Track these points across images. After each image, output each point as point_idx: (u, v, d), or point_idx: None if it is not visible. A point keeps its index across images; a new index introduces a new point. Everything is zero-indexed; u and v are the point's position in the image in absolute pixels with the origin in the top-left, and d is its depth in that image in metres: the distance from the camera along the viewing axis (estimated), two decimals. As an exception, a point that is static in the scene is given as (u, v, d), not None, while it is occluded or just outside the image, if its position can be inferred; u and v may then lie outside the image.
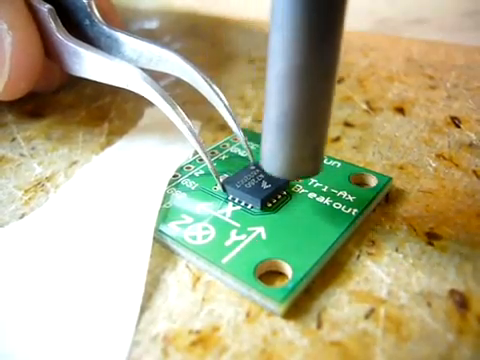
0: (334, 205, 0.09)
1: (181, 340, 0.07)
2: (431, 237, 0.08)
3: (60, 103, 0.15)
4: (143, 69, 0.10)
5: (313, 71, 0.07)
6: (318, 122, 0.07)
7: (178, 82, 0.12)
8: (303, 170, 0.08)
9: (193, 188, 0.10)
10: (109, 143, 0.12)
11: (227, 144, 0.12)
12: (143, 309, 0.07)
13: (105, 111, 0.14)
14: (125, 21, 0.17)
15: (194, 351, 0.06)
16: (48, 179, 0.11)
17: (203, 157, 0.10)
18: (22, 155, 0.12)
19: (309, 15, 0.06)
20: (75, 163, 0.11)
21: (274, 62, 0.07)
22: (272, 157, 0.08)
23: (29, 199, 0.10)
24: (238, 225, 0.08)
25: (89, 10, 0.12)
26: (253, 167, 0.10)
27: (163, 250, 0.08)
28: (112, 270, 0.08)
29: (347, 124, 0.13)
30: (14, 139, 0.13)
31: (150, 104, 0.13)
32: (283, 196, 0.09)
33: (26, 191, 0.10)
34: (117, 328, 0.07)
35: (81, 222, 0.09)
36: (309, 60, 0.06)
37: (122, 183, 0.10)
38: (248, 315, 0.07)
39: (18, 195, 0.10)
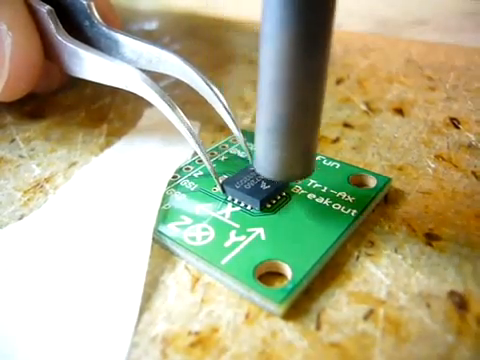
0: (333, 206, 0.09)
1: (180, 341, 0.07)
2: (430, 238, 0.08)
3: (59, 104, 0.15)
4: (142, 70, 0.10)
5: (302, 79, 0.07)
6: (308, 127, 0.08)
7: (177, 83, 0.12)
8: (294, 172, 0.08)
9: (192, 189, 0.10)
10: (108, 144, 0.12)
11: (226, 145, 0.12)
12: (142, 310, 0.07)
13: (104, 112, 0.14)
14: (124, 22, 0.17)
15: (193, 352, 0.06)
16: (47, 180, 0.11)
17: (202, 158, 0.10)
18: (21, 156, 0.12)
19: (298, 27, 0.06)
20: (74, 164, 0.11)
21: (265, 71, 0.07)
22: (264, 160, 0.08)
23: (28, 200, 0.10)
24: (237, 226, 0.08)
25: (89, 11, 0.12)
26: (252, 168, 0.10)
27: (162, 251, 0.08)
28: (111, 271, 0.08)
29: (346, 125, 0.13)
30: (13, 140, 0.13)
31: (149, 105, 0.13)
32: (282, 197, 0.09)
33: (25, 192, 0.10)
34: (116, 329, 0.07)
35: (80, 223, 0.09)
36: (298, 69, 0.07)
37: (121, 184, 0.10)
38: (247, 316, 0.07)
39: (17, 196, 0.10)
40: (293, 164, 0.08)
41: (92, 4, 0.12)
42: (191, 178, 0.10)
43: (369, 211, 0.09)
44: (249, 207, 0.09)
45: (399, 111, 0.14)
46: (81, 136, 0.13)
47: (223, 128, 0.13)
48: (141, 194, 0.10)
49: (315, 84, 0.07)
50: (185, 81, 0.11)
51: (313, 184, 0.10)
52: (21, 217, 0.09)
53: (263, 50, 0.07)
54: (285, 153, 0.08)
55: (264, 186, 0.09)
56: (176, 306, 0.07)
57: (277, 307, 0.07)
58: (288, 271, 0.07)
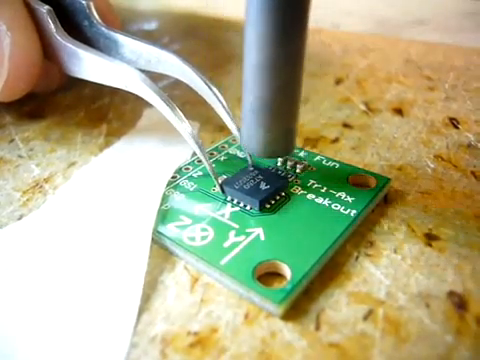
0: (333, 206, 0.09)
1: (179, 342, 0.07)
2: (430, 238, 0.08)
3: (59, 104, 0.15)
4: (142, 70, 0.10)
5: (282, 61, 0.07)
6: (289, 106, 0.08)
7: (177, 83, 0.12)
8: (276, 149, 0.09)
9: (192, 189, 0.10)
10: (107, 144, 0.12)
11: (226, 145, 0.12)
12: (141, 310, 0.07)
13: (104, 112, 0.14)
14: (124, 22, 0.17)
15: (192, 353, 0.06)
16: (46, 180, 0.11)
17: (202, 158, 0.10)
18: (20, 156, 0.12)
19: (277, 13, 0.07)
20: (73, 164, 0.11)
21: (249, 53, 0.08)
22: (249, 138, 0.09)
23: (27, 200, 0.10)
24: (237, 226, 0.08)
25: (88, 11, 0.12)
26: (252, 168, 0.10)
27: (161, 251, 0.08)
28: (110, 271, 0.08)
29: (346, 125, 0.13)
30: (12, 140, 0.13)
31: (149, 105, 0.12)
32: (282, 197, 0.09)
33: (24, 192, 0.10)
34: (115, 329, 0.07)
35: (79, 223, 0.09)
36: (278, 51, 0.07)
37: (120, 184, 0.10)
38: (246, 317, 0.07)
39: (16, 196, 0.10)
40: (275, 142, 0.08)
41: (91, 4, 0.12)
42: (190, 178, 0.10)
43: (368, 211, 0.09)
44: (248, 207, 0.09)
45: (398, 111, 0.14)
46: (80, 136, 0.13)
47: (222, 128, 0.13)
48: (140, 194, 0.10)
49: (293, 68, 0.08)
50: (184, 81, 0.11)
51: (313, 184, 0.10)
52: (20, 217, 0.09)
53: (247, 35, 0.08)
54: (268, 132, 0.08)
55: (263, 186, 0.09)
56: (175, 306, 0.07)
57: (276, 307, 0.07)
58: (287, 271, 0.07)
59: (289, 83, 0.08)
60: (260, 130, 0.08)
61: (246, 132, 0.09)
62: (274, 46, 0.07)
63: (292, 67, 0.08)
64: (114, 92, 0.15)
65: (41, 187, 0.10)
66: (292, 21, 0.07)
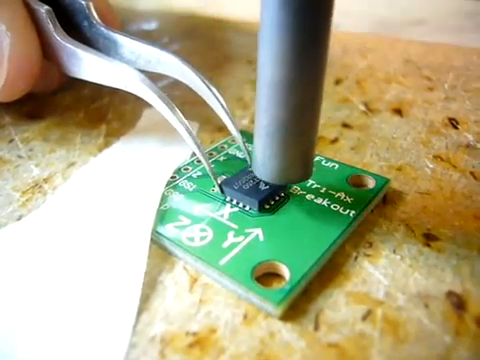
0: (332, 206, 0.09)
1: (178, 342, 0.07)
2: (428, 238, 0.08)
3: (58, 105, 0.15)
4: (141, 70, 0.10)
5: (300, 81, 0.07)
6: (307, 129, 0.08)
7: (176, 83, 0.12)
8: (293, 176, 0.08)
9: (191, 189, 0.10)
10: (107, 145, 0.12)
11: (225, 145, 0.12)
12: (140, 311, 0.07)
13: (103, 113, 0.14)
14: (123, 22, 0.17)
15: (191, 353, 0.06)
16: (45, 181, 0.11)
17: (201, 158, 0.10)
18: (20, 157, 0.12)
19: (295, 30, 0.06)
20: (73, 165, 0.11)
21: (263, 72, 0.07)
22: (263, 163, 0.08)
23: (26, 201, 0.10)
24: (236, 227, 0.08)
25: (87, 11, 0.12)
26: (251, 169, 0.10)
27: (160, 251, 0.08)
28: (109, 272, 0.08)
29: (345, 125, 0.13)
30: (12, 141, 0.13)
31: (148, 106, 0.12)
32: (281, 197, 0.09)
33: (23, 193, 0.10)
34: (115, 329, 0.07)
35: (78, 224, 0.09)
36: (296, 71, 0.07)
37: (120, 185, 0.10)
38: (245, 317, 0.07)
39: (15, 197, 0.10)
40: (292, 168, 0.08)
41: (91, 4, 0.12)
42: (190, 179, 0.10)
43: (368, 212, 0.09)
44: (247, 208, 0.09)
45: (398, 111, 0.14)
46: (80, 136, 0.13)
47: (222, 128, 0.13)
48: (139, 194, 0.10)
49: (313, 86, 0.07)
50: (184, 81, 0.11)
51: (312, 185, 0.10)
52: (19, 218, 0.09)
53: (261, 52, 0.07)
54: (284, 158, 0.08)
55: (262, 187, 0.09)
56: (174, 306, 0.07)
57: (275, 308, 0.07)
58: (286, 272, 0.07)
59: (308, 103, 0.07)
60: (277, 156, 0.08)
61: (260, 158, 0.08)
62: (292, 63, 0.07)
63: (312, 85, 0.07)
64: (113, 93, 0.15)
65: (40, 187, 0.10)
66: (312, 38, 0.07)
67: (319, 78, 0.07)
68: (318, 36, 0.07)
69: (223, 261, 0.08)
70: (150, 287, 0.07)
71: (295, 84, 0.07)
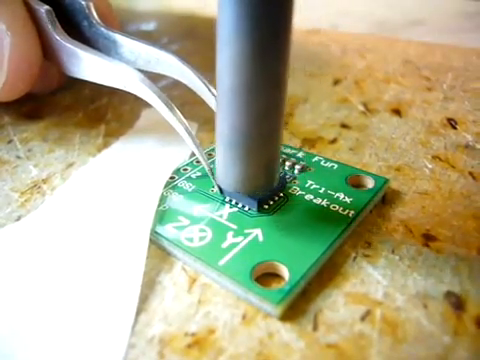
0: (331, 207, 0.09)
1: (177, 342, 0.07)
2: (427, 239, 0.08)
3: (57, 105, 0.15)
4: (141, 71, 0.10)
5: (260, 86, 0.07)
6: (270, 136, 0.07)
7: (175, 84, 0.12)
8: (257, 185, 0.08)
9: (190, 190, 0.10)
10: (106, 145, 0.12)
11: (224, 146, 0.12)
12: (139, 311, 0.07)
13: (102, 113, 0.14)
14: (122, 23, 0.17)
15: (190, 353, 0.06)
16: (44, 181, 0.11)
17: (200, 159, 0.10)
18: (18, 157, 0.12)
19: (253, 32, 0.06)
20: (71, 165, 0.11)
21: (222, 77, 0.07)
22: (226, 174, 0.08)
23: (25, 201, 0.10)
24: (235, 227, 0.08)
25: (87, 12, 0.12)
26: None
27: (159, 252, 0.08)
28: (108, 272, 0.08)
29: (344, 125, 0.13)
30: (10, 141, 0.13)
31: (147, 106, 0.12)
32: (280, 198, 0.09)
33: (22, 193, 0.10)
34: (113, 330, 0.07)
35: (77, 224, 0.09)
36: (255, 75, 0.06)
37: (118, 185, 0.10)
38: (244, 317, 0.07)
39: (14, 197, 0.10)
40: (255, 178, 0.08)
41: (91, 4, 0.12)
42: (189, 179, 0.10)
43: (366, 212, 0.09)
44: (247, 208, 0.09)
45: (396, 112, 0.14)
46: (79, 137, 0.13)
47: (221, 129, 0.13)
48: (138, 195, 0.10)
49: (275, 91, 0.07)
50: (183, 82, 0.11)
51: (311, 185, 0.10)
52: (18, 218, 0.09)
53: (220, 56, 0.07)
54: (246, 167, 0.07)
55: (262, 187, 0.09)
56: (173, 307, 0.07)
57: (274, 308, 0.07)
58: (285, 272, 0.07)
59: (269, 110, 0.07)
60: (238, 165, 0.07)
61: (221, 167, 0.08)
62: (252, 66, 0.06)
63: (273, 90, 0.07)
64: (112, 93, 0.15)
65: (39, 188, 0.10)
66: (272, 40, 0.06)
67: (281, 82, 0.07)
68: (278, 37, 0.06)
69: (222, 261, 0.08)
70: (149, 288, 0.07)
71: (255, 89, 0.07)
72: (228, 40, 0.06)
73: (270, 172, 0.08)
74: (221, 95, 0.07)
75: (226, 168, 0.08)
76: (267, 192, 0.08)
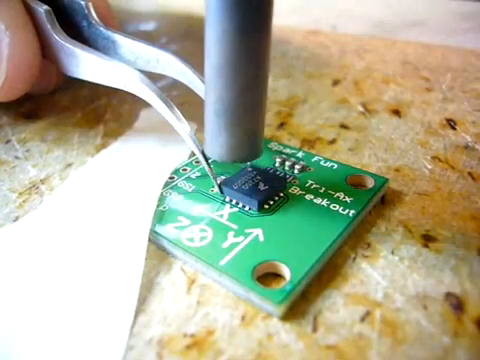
0: (331, 206, 0.09)
1: (176, 344, 0.07)
2: (427, 239, 0.08)
3: (55, 105, 0.15)
4: (140, 70, 0.10)
5: (243, 62, 0.07)
6: (253, 108, 0.08)
7: (174, 83, 0.12)
8: (241, 154, 0.08)
9: (190, 190, 0.10)
10: (104, 145, 0.12)
11: (223, 146, 0.12)
12: (137, 312, 0.07)
13: (101, 113, 0.14)
14: (121, 23, 0.17)
15: (189, 355, 0.06)
16: (43, 181, 0.11)
17: (200, 159, 0.09)
18: (17, 157, 0.12)
19: (236, 12, 0.07)
20: (70, 165, 0.11)
21: (209, 54, 0.07)
22: (212, 142, 0.08)
23: (23, 202, 0.10)
24: (235, 227, 0.08)
25: (86, 12, 0.12)
26: (250, 169, 0.10)
27: (158, 253, 0.08)
28: (107, 273, 0.08)
29: (343, 126, 0.13)
30: (9, 141, 0.13)
31: (146, 106, 0.12)
32: (280, 197, 0.09)
33: (20, 194, 0.10)
34: (112, 331, 0.07)
35: (76, 225, 0.09)
36: (238, 52, 0.07)
37: (117, 185, 0.10)
38: (243, 318, 0.07)
39: (12, 198, 0.10)
40: (239, 147, 0.08)
41: (90, 4, 0.12)
42: (188, 179, 0.10)
43: (366, 212, 0.09)
44: (247, 208, 0.09)
45: (396, 112, 0.14)
46: (77, 137, 0.13)
47: (220, 129, 0.13)
48: (137, 195, 0.10)
49: (257, 68, 0.07)
50: (183, 82, 0.11)
51: (311, 185, 0.10)
52: (16, 219, 0.09)
53: (207, 35, 0.07)
54: (231, 136, 0.08)
55: (262, 187, 0.09)
56: (172, 308, 0.07)
57: (276, 308, 0.07)
58: (286, 272, 0.07)
59: (252, 84, 0.08)
60: (223, 134, 0.08)
61: (209, 136, 0.08)
62: (234, 44, 0.07)
63: (255, 66, 0.07)
64: (111, 93, 0.15)
65: (37, 188, 0.10)
66: (254, 20, 0.07)
67: (263, 59, 0.07)
68: (260, 18, 0.07)
69: (223, 261, 0.07)
70: (147, 289, 0.07)
71: (239, 65, 0.07)
72: (213, 20, 0.07)
73: (253, 142, 0.08)
74: (208, 70, 0.08)
75: (212, 137, 0.08)
76: (251, 161, 0.09)
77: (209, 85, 0.08)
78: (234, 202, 0.09)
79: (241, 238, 0.08)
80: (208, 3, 0.07)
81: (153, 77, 0.10)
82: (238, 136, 0.08)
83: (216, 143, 0.08)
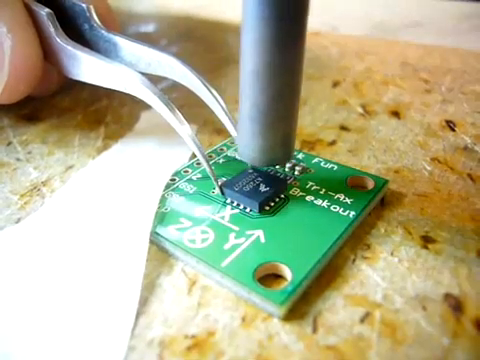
0: (332, 207, 0.09)
1: (177, 345, 0.07)
2: (426, 241, 0.08)
3: (56, 107, 0.15)
4: (141, 73, 0.10)
5: (279, 68, 0.07)
6: (287, 113, 0.08)
7: (174, 86, 0.12)
8: (274, 157, 0.09)
9: (191, 192, 0.10)
10: (105, 147, 0.12)
11: (224, 148, 0.12)
12: (139, 314, 0.07)
13: (101, 115, 0.14)
14: (121, 25, 0.17)
15: (190, 356, 0.06)
16: (44, 183, 0.11)
17: (201, 160, 0.10)
18: (18, 159, 0.12)
19: (274, 21, 0.07)
20: (71, 167, 0.11)
21: (246, 60, 0.08)
22: (246, 146, 0.09)
23: (25, 204, 0.10)
24: (237, 228, 0.08)
25: (88, 15, 0.12)
26: (251, 170, 0.10)
27: (159, 254, 0.08)
28: (108, 275, 0.08)
29: (343, 128, 0.13)
30: (10, 143, 0.13)
31: (147, 108, 0.13)
32: (281, 199, 0.09)
33: (22, 196, 0.10)
34: (113, 333, 0.07)
35: (77, 227, 0.09)
36: (276, 58, 0.07)
37: (118, 187, 0.10)
38: (244, 320, 0.07)
39: (14, 200, 0.10)
40: (272, 150, 0.08)
41: (91, 7, 0.12)
42: (190, 181, 0.10)
43: (366, 213, 0.09)
44: (248, 209, 0.09)
45: (395, 114, 0.14)
46: (78, 139, 0.13)
47: (220, 131, 0.13)
48: (138, 197, 0.10)
49: (292, 74, 0.08)
50: (184, 84, 0.11)
51: (311, 186, 0.10)
52: (18, 221, 0.09)
53: (243, 41, 0.07)
54: (265, 140, 0.08)
55: (263, 188, 0.09)
56: (173, 310, 0.07)
57: (278, 309, 0.07)
58: (288, 273, 0.07)
59: (286, 90, 0.08)
60: (257, 138, 0.08)
61: (243, 140, 0.09)
62: (271, 52, 0.07)
63: (290, 73, 0.08)
64: (112, 95, 0.15)
65: (39, 190, 0.10)
66: (291, 26, 0.07)
67: (297, 67, 0.08)
68: (296, 27, 0.07)
69: (225, 263, 0.08)
70: (148, 290, 0.07)
71: (275, 70, 0.07)
72: (250, 28, 0.07)
73: (285, 146, 0.09)
74: (244, 76, 0.08)
75: (247, 141, 0.08)
76: (283, 163, 0.09)
77: (244, 91, 0.08)
78: (235, 204, 0.09)
79: (242, 239, 0.08)
80: (245, 11, 0.07)
81: (154, 79, 0.10)
82: (271, 140, 0.08)
83: (250, 147, 0.08)
